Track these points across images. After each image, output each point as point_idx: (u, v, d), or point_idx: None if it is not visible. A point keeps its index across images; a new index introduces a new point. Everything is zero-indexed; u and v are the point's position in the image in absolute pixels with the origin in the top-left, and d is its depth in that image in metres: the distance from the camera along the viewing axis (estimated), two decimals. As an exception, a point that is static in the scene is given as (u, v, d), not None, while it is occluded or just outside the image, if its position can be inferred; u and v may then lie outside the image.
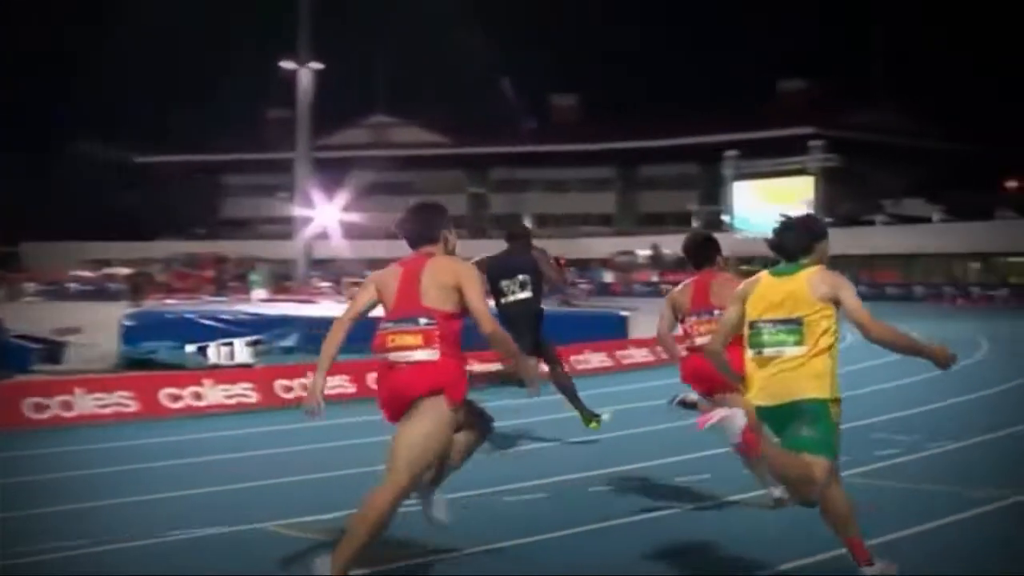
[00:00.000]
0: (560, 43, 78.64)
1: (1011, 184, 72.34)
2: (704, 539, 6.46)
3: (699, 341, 6.95)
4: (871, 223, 61.68)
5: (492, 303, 9.12)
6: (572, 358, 16.83)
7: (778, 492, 6.92)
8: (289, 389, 13.32)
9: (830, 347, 5.09)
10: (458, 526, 6.06)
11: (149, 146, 79.87)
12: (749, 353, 5.21)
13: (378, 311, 5.50)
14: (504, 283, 9.58)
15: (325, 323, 18.85)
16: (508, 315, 9.35)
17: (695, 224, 79.13)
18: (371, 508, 5.07)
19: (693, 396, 7.04)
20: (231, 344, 15.24)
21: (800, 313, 5.09)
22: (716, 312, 6.90)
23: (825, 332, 5.07)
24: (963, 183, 67.05)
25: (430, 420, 5.14)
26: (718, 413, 5.02)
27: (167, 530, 6.74)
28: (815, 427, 5.04)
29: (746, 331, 5.26)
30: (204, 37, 70.33)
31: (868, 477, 8.31)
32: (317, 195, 47.12)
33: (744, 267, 70.38)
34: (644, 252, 69.56)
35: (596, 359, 17.43)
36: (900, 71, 73.48)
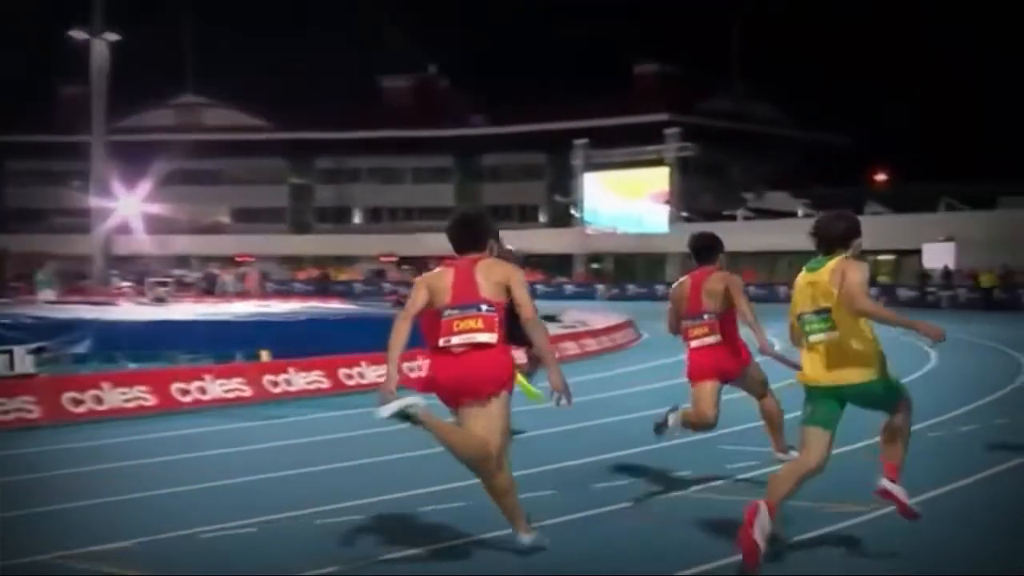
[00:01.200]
0: (392, 18, 78.39)
1: (880, 177, 75.26)
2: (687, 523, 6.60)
3: (693, 344, 8.58)
4: (732, 218, 63.22)
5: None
6: (404, 365, 16.70)
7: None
8: (79, 402, 12.94)
9: (862, 328, 6.30)
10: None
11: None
12: (811, 340, 6.39)
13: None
14: None
15: (124, 328, 18.31)
16: None
17: (542, 218, 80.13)
18: (495, 482, 6.59)
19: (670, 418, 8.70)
20: (10, 352, 14.71)
21: (826, 303, 6.31)
22: (706, 316, 8.49)
23: (850, 316, 6.24)
24: (830, 176, 69.40)
25: (498, 409, 6.54)
26: None
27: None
28: (881, 396, 6.44)
29: (796, 323, 6.49)
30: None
31: (719, 492, 8.52)
32: (117, 184, 45.89)
33: (595, 265, 71.71)
34: (487, 249, 69.89)
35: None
36: (762, 54, 75.62)
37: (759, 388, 8.98)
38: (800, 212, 60.58)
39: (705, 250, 8.76)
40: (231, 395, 14.32)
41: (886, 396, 6.49)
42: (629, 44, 78.07)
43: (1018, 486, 8.69)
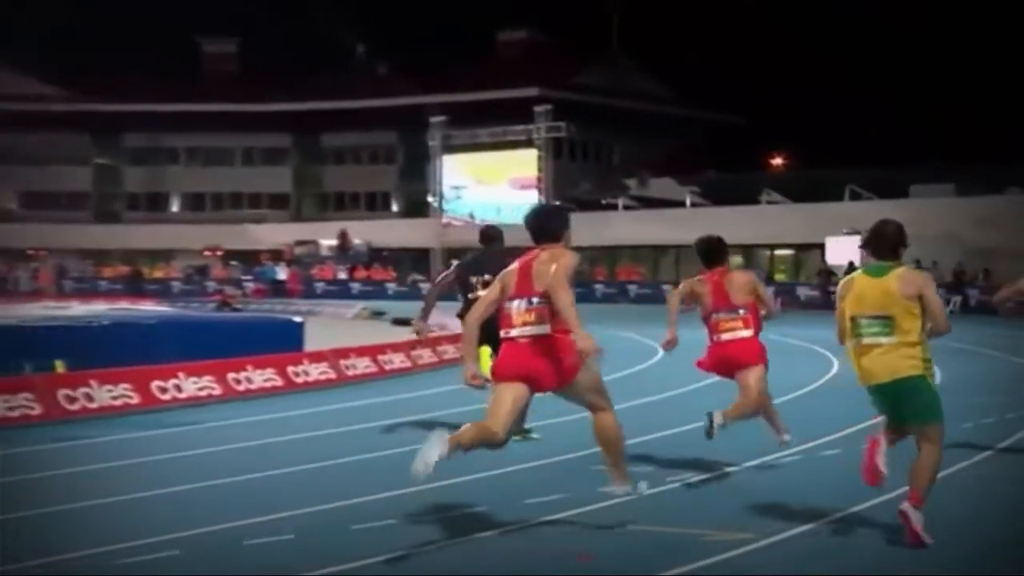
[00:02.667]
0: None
1: (777, 162, 76.68)
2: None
3: (724, 337, 10.41)
4: (612, 207, 63.83)
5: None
6: (230, 376, 16.62)
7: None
8: None
9: (918, 335, 7.78)
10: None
11: None
12: (852, 342, 7.96)
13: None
14: (482, 278, 12.63)
15: None
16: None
17: (395, 207, 79.86)
18: (607, 432, 8.48)
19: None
20: None
21: (890, 310, 7.76)
22: (741, 311, 10.40)
23: (912, 324, 7.76)
24: (721, 160, 70.58)
25: (585, 374, 8.20)
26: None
27: None
28: (921, 400, 7.81)
29: (848, 324, 7.96)
30: None
31: (590, 518, 8.55)
32: None
33: (455, 261, 71.52)
34: (329, 242, 69.48)
35: (261, 377, 17.21)
36: (645, 22, 76.53)
37: (754, 387, 10.47)
38: (688, 201, 61.40)
39: (715, 253, 10.76)
40: (16, 413, 13.95)
41: (928, 399, 7.85)
42: (492, 7, 78.07)
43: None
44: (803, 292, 51.72)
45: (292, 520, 8.55)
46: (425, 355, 21.68)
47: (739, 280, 10.59)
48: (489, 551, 7.73)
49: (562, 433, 12.08)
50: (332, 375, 18.63)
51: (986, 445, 11.85)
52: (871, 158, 59.41)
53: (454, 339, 23.84)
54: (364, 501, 9.17)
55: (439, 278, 13.72)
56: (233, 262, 68.40)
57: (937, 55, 72.60)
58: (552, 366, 8.01)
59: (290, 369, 17.96)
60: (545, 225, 8.47)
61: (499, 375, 8.12)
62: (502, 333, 8.18)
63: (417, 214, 73.26)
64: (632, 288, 56.19)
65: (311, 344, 20.39)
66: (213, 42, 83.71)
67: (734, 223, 57.80)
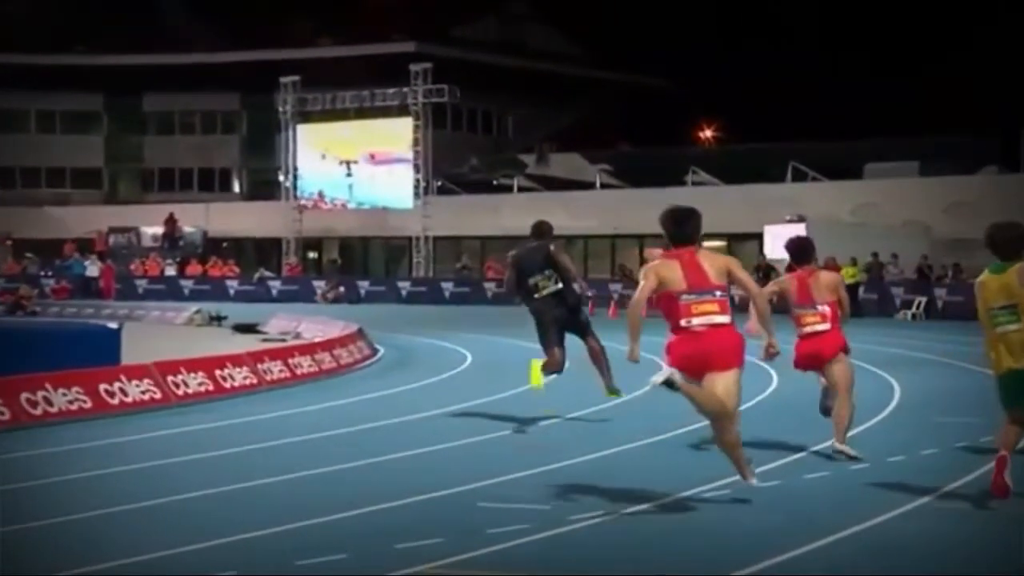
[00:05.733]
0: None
1: (707, 134, 77.35)
2: None
3: (806, 330, 13.47)
4: (506, 189, 63.93)
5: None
6: (23, 396, 16.35)
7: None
8: None
9: None
10: None
11: None
12: (997, 331, 10.91)
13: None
14: (532, 280, 16.40)
15: None
16: (547, 305, 16.34)
17: (236, 187, 79.33)
18: (728, 436, 10.75)
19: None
20: None
21: (1013, 300, 10.78)
22: (819, 307, 13.41)
23: None
24: (639, 132, 70.95)
25: (734, 377, 10.67)
26: None
27: None
28: None
29: (987, 316, 11.02)
30: None
31: (476, 567, 8.58)
32: None
33: (312, 254, 71.34)
34: (152, 230, 68.86)
35: (64, 398, 16.96)
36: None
37: (842, 383, 13.36)
38: (598, 181, 61.63)
39: (802, 252, 13.99)
40: None
41: None
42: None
43: (872, 551, 9.03)
44: (737, 292, 52.05)
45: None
46: (275, 370, 21.57)
47: (824, 279, 13.76)
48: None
49: (440, 465, 12.07)
50: (157, 394, 18.45)
51: (954, 476, 12.03)
52: (818, 130, 59.92)
53: (309, 349, 23.80)
54: (185, 552, 9.12)
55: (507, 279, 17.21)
56: (28, 254, 67.40)
57: (897, 3, 73.48)
58: (727, 352, 10.56)
59: (102, 387, 17.74)
60: (686, 228, 11.00)
61: (685, 368, 10.50)
62: (682, 323, 10.57)
63: (264, 196, 72.84)
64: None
65: (130, 357, 20.22)
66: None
67: (653, 207, 57.45)
